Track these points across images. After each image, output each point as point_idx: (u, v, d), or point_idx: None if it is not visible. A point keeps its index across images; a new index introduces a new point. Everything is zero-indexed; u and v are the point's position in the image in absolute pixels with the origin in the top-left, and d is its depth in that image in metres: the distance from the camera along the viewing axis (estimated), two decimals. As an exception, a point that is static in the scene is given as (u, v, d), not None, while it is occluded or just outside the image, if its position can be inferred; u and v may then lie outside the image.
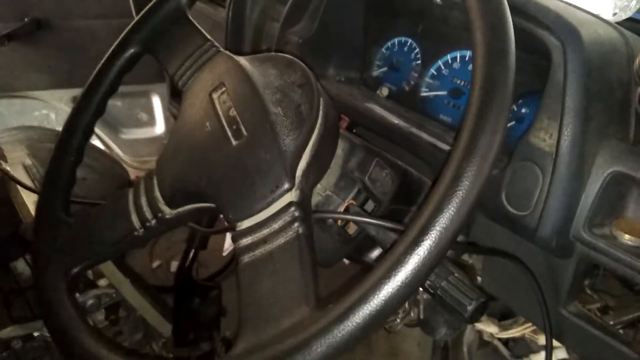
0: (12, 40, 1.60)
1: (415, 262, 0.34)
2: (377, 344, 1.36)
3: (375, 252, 0.66)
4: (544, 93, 0.55)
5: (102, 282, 1.00)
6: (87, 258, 0.57)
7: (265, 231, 0.45)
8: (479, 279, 0.76)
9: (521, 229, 0.58)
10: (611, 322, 0.68)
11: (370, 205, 0.61)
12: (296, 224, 0.45)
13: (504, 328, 0.85)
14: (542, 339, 0.86)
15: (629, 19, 0.70)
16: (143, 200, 0.57)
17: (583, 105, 0.52)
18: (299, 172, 0.48)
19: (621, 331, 0.66)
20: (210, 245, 1.18)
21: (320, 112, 0.51)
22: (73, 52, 1.67)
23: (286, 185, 0.47)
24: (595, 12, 0.65)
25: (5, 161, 1.39)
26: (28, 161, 1.45)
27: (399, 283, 0.34)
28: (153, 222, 0.56)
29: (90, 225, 0.59)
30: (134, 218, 0.56)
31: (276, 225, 0.45)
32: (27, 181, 1.23)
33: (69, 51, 1.68)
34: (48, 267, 0.56)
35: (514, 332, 0.84)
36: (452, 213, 0.35)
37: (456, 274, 0.47)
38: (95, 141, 2.01)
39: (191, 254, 1.11)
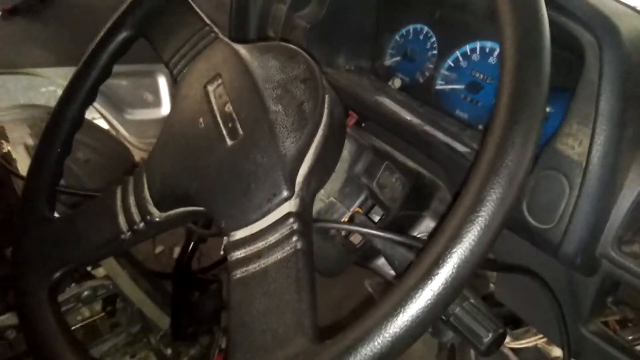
0: (15, 15, 1.56)
1: (427, 299, 0.30)
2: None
3: (381, 260, 0.62)
4: (575, 95, 0.50)
5: (100, 272, 0.96)
6: (70, 262, 0.53)
7: (260, 244, 0.41)
8: (492, 286, 0.72)
9: (543, 243, 0.53)
10: (630, 338, 0.64)
11: (376, 212, 0.55)
12: (294, 238, 0.40)
13: (515, 338, 0.81)
14: (554, 351, 0.81)
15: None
16: (131, 201, 0.52)
17: (619, 111, 0.46)
18: (299, 178, 0.44)
19: (638, 348, 0.62)
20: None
21: (325, 111, 0.46)
22: (77, 28, 1.62)
23: (285, 194, 0.42)
24: (632, 2, 0.59)
25: (7, 141, 1.36)
26: (30, 141, 1.42)
27: (407, 322, 0.30)
28: (141, 225, 0.51)
29: (76, 225, 0.55)
30: (122, 220, 0.52)
31: (272, 239, 0.41)
32: (27, 161, 1.20)
33: (73, 27, 1.63)
34: (28, 269, 0.52)
35: (526, 343, 0.80)
36: (473, 243, 0.30)
37: (472, 300, 0.42)
38: (99, 121, 1.98)
39: (190, 247, 1.07)
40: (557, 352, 0.81)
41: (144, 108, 1.98)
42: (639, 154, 0.48)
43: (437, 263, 0.30)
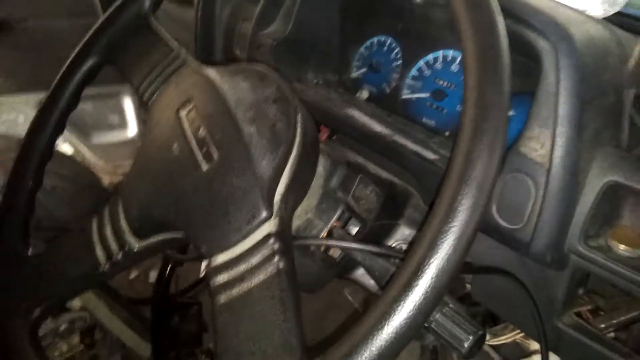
0: (-27, 42, 1.52)
1: (410, 309, 0.31)
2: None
3: (361, 271, 0.63)
4: (535, 100, 0.52)
5: (76, 304, 0.94)
6: (49, 298, 0.52)
7: (243, 267, 0.41)
8: (468, 286, 0.74)
9: (514, 242, 0.55)
10: (602, 326, 0.67)
11: (353, 224, 0.56)
12: (276, 258, 0.41)
13: (494, 334, 0.83)
14: (533, 344, 0.84)
15: (617, 14, 0.67)
16: (108, 231, 0.52)
17: (577, 113, 0.49)
18: (277, 197, 0.44)
19: (612, 334, 0.65)
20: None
21: (298, 130, 0.47)
22: (37, 54, 1.59)
23: (264, 215, 0.43)
24: (581, 7, 0.62)
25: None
26: (-8, 174, 1.38)
27: (393, 334, 0.31)
28: (119, 255, 0.51)
29: (52, 260, 0.54)
30: (99, 252, 0.52)
31: (254, 260, 0.41)
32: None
33: (33, 52, 1.60)
34: (7, 309, 0.51)
35: (505, 339, 0.82)
36: (449, 251, 0.31)
37: (451, 305, 0.43)
38: (63, 146, 1.94)
39: (167, 271, 1.06)
40: (535, 345, 0.84)
41: (110, 131, 1.95)
42: (598, 153, 0.51)
43: (416, 274, 0.31)
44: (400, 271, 0.32)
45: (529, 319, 0.60)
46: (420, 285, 0.31)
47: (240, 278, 0.41)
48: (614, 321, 0.66)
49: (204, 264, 0.44)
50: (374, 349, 0.30)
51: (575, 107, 0.49)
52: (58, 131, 0.62)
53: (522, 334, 0.82)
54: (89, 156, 1.96)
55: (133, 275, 1.59)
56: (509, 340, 0.83)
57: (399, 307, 0.31)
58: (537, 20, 0.52)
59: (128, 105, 1.93)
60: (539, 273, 0.58)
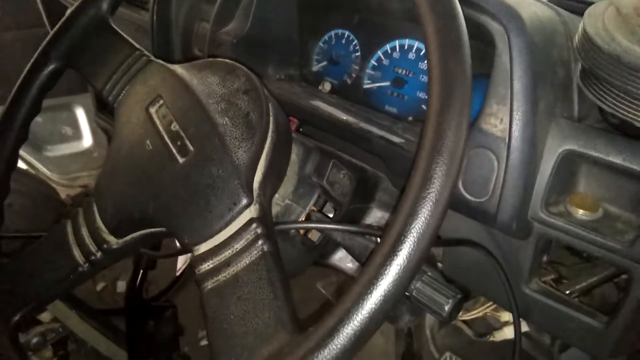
0: None
1: (395, 273, 0.32)
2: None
3: (338, 254, 0.64)
4: (491, 79, 0.55)
5: (45, 317, 0.92)
6: (28, 303, 0.51)
7: (227, 253, 0.42)
8: (439, 265, 0.77)
9: (480, 215, 0.58)
10: (567, 292, 0.70)
11: (328, 209, 0.58)
12: (260, 242, 0.42)
13: (466, 310, 0.87)
14: (503, 316, 0.88)
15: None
16: (84, 232, 0.52)
17: (531, 88, 0.52)
18: (255, 184, 0.45)
19: (576, 300, 0.69)
20: (160, 261, 1.12)
21: (271, 119, 0.48)
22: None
23: (244, 201, 0.44)
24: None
25: None
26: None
27: (381, 296, 0.32)
28: (99, 254, 0.51)
29: (28, 265, 0.53)
30: (76, 252, 0.51)
31: (238, 246, 0.42)
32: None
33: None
34: None
35: (476, 313, 0.85)
36: (427, 216, 0.33)
37: (429, 273, 0.46)
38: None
39: (140, 275, 1.04)
40: (505, 317, 0.88)
41: (64, 143, 1.91)
42: (552, 124, 0.54)
43: (399, 239, 0.33)
44: (383, 239, 0.34)
45: (499, 289, 0.63)
46: (404, 248, 0.33)
47: (226, 263, 0.42)
48: (577, 287, 0.70)
49: (180, 262, 0.45)
50: (365, 312, 0.32)
51: (528, 82, 0.52)
52: (21, 139, 0.61)
53: (492, 308, 0.86)
54: (42, 170, 1.91)
55: (100, 286, 1.55)
56: (480, 314, 0.86)
57: (386, 271, 0.32)
58: (488, 4, 0.55)
59: (81, 116, 1.89)
60: (505, 243, 0.61)
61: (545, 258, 0.65)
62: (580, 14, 0.64)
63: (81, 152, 1.94)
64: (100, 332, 0.95)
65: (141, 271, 1.04)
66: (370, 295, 0.32)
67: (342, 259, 0.64)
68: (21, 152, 1.87)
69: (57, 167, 1.93)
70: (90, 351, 0.97)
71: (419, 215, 0.33)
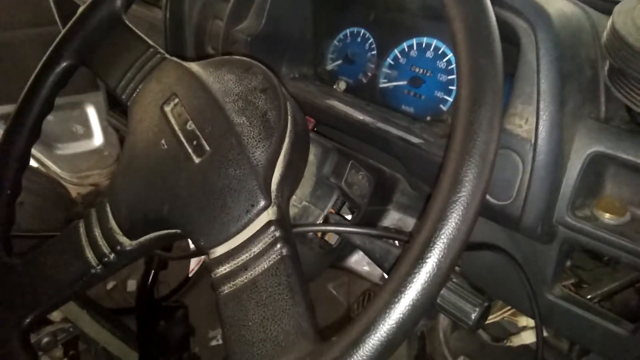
0: None
1: (424, 281, 0.31)
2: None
3: (355, 257, 0.63)
4: (516, 77, 0.53)
5: (56, 316, 0.91)
6: (40, 305, 0.50)
7: (245, 256, 0.41)
8: (456, 268, 0.75)
9: (504, 218, 0.56)
10: (588, 297, 0.69)
11: (345, 210, 0.57)
12: (279, 245, 0.40)
13: (483, 314, 0.85)
14: (521, 321, 0.86)
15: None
16: (97, 233, 0.50)
17: (558, 88, 0.50)
18: (273, 186, 0.44)
19: (600, 306, 0.67)
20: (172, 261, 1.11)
21: (289, 118, 0.46)
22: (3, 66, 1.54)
23: (262, 203, 0.42)
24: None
25: None
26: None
27: (409, 306, 0.31)
28: (112, 256, 0.50)
29: (40, 266, 0.52)
30: (89, 254, 0.50)
31: (256, 249, 0.41)
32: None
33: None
34: None
35: (494, 318, 0.83)
36: (458, 222, 0.32)
37: (455, 280, 0.44)
38: (27, 159, 1.87)
39: (151, 275, 1.03)
40: (523, 322, 0.86)
41: (75, 141, 1.91)
42: (580, 126, 0.52)
43: (428, 246, 0.31)
44: (411, 245, 0.32)
45: (519, 294, 0.61)
46: (433, 256, 0.31)
47: (244, 267, 0.40)
48: (599, 292, 0.68)
49: (192, 263, 0.43)
50: (391, 323, 0.30)
51: (556, 82, 0.50)
52: (34, 137, 0.60)
53: (510, 312, 0.84)
54: (53, 168, 1.91)
55: (110, 285, 1.55)
56: (498, 318, 0.84)
57: (414, 280, 0.31)
58: (513, 1, 0.53)
59: (92, 114, 1.89)
60: (527, 247, 0.60)
61: (568, 263, 0.64)
62: (605, 11, 0.63)
63: (92, 151, 1.94)
64: (111, 332, 0.94)
65: (152, 271, 1.03)
66: (397, 305, 0.31)
67: (358, 262, 0.62)
68: (33, 150, 1.87)
69: (68, 166, 1.94)
70: (100, 351, 0.96)
71: (449, 221, 0.32)
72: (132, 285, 1.50)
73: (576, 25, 0.54)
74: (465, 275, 0.70)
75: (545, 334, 0.84)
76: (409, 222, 0.63)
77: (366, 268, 0.60)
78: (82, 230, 0.51)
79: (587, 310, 0.59)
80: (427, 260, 0.31)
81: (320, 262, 0.56)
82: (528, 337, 0.86)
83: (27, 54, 1.52)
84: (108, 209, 0.51)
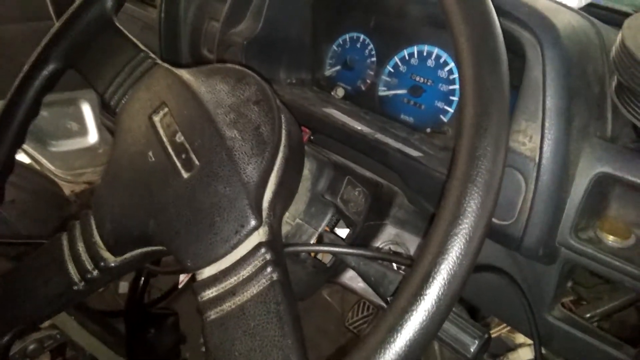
0: None
1: (422, 320, 0.29)
2: (347, 345, 1.32)
3: (349, 273, 0.61)
4: (520, 93, 0.51)
5: (44, 322, 0.89)
6: (19, 323, 0.48)
7: (233, 280, 0.38)
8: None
9: (504, 239, 0.54)
10: (587, 315, 0.67)
11: (341, 226, 0.54)
12: (269, 269, 0.38)
13: (480, 329, 0.83)
14: (518, 338, 0.84)
15: (590, 5, 0.67)
16: (80, 247, 0.48)
17: (565, 106, 0.48)
18: (264, 204, 0.42)
19: (596, 323, 0.65)
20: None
21: (283, 132, 0.44)
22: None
23: (253, 223, 0.40)
24: (557, -1, 0.62)
25: None
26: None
27: (405, 346, 0.29)
28: (95, 273, 0.47)
29: (20, 281, 0.50)
30: (72, 270, 0.48)
31: (245, 273, 0.38)
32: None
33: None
34: None
35: (491, 334, 0.81)
36: (460, 255, 0.30)
37: (454, 310, 0.42)
38: (20, 155, 1.85)
39: (142, 281, 1.01)
40: (520, 338, 0.84)
41: (69, 138, 1.88)
42: (586, 145, 0.50)
43: (427, 282, 0.29)
44: (409, 278, 0.30)
45: (518, 314, 0.59)
46: (431, 293, 0.29)
47: (231, 292, 0.38)
48: (598, 310, 0.66)
49: (182, 276, 0.41)
50: None
51: (563, 99, 0.48)
52: (17, 143, 0.58)
53: (508, 329, 0.82)
54: (47, 165, 1.88)
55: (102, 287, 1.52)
56: (495, 334, 0.83)
57: (411, 318, 0.29)
58: (519, 12, 0.51)
59: (87, 111, 1.86)
60: (528, 267, 0.58)
61: (570, 283, 0.62)
62: (614, 24, 0.60)
63: (86, 148, 1.91)
64: (99, 339, 0.92)
65: (142, 278, 1.01)
66: (392, 345, 0.28)
67: (353, 278, 0.60)
68: (26, 147, 1.84)
69: (61, 163, 1.91)
70: (88, 358, 0.94)
71: (450, 254, 0.29)
72: (124, 287, 1.47)
73: (584, 39, 0.52)
74: (462, 294, 0.68)
75: (543, 351, 0.82)
76: (407, 238, 0.61)
77: (361, 285, 0.58)
78: (65, 243, 0.49)
79: (588, 333, 0.57)
80: (425, 298, 0.29)
81: (313, 281, 0.53)
82: (525, 354, 0.85)
83: (21, 49, 1.49)
84: (92, 222, 0.48)
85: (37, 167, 1.85)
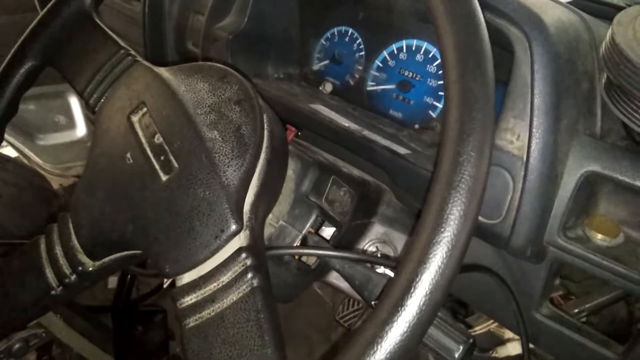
0: None
1: (403, 331, 0.28)
2: (338, 340, 1.32)
3: (336, 273, 0.60)
4: (508, 90, 0.50)
5: (28, 321, 0.88)
6: None
7: (213, 286, 0.38)
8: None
9: (492, 238, 0.53)
10: (575, 311, 0.67)
11: (327, 225, 0.53)
12: (249, 275, 0.37)
13: (468, 325, 0.83)
14: (507, 333, 0.84)
15: (580, -2, 0.66)
16: (58, 251, 0.47)
17: (554, 104, 0.47)
18: (246, 207, 0.41)
19: (584, 318, 0.65)
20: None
21: (265, 132, 0.43)
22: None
23: (233, 228, 0.39)
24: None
25: None
26: None
27: (386, 357, 0.28)
28: (73, 277, 0.46)
29: None
30: (49, 274, 0.47)
31: (225, 279, 0.37)
32: None
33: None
34: None
35: (480, 329, 0.81)
36: (442, 265, 0.29)
37: (438, 314, 0.41)
38: (6, 149, 1.82)
39: (128, 278, 1.00)
40: (509, 333, 0.84)
41: (57, 132, 1.86)
42: (574, 143, 0.49)
43: (408, 291, 0.28)
44: (390, 289, 0.29)
45: (507, 312, 0.59)
46: (412, 304, 0.28)
47: (211, 299, 0.37)
48: (587, 305, 0.66)
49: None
50: None
51: (552, 97, 0.47)
52: (-5, 142, 0.56)
53: (497, 324, 0.82)
54: (34, 159, 1.86)
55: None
56: (484, 330, 0.82)
57: (391, 330, 0.28)
58: (507, 7, 0.50)
59: (75, 104, 1.83)
60: (516, 266, 0.57)
61: (557, 281, 0.61)
62: (605, 17, 0.59)
63: (74, 141, 1.89)
64: (86, 336, 0.91)
65: (129, 275, 1.00)
66: (372, 358, 0.28)
67: (340, 278, 0.59)
68: (13, 140, 1.80)
69: (50, 157, 1.89)
70: (75, 356, 0.93)
71: (432, 264, 0.29)
72: (113, 282, 1.46)
73: (574, 35, 0.51)
74: (451, 291, 0.67)
75: (532, 345, 0.82)
76: (395, 236, 0.60)
77: (348, 285, 0.57)
78: (42, 247, 0.48)
79: (575, 331, 0.57)
80: (406, 309, 0.28)
81: (298, 284, 0.53)
82: (514, 348, 0.84)
83: (6, 41, 1.46)
84: (70, 225, 0.47)
85: (25, 161, 1.83)
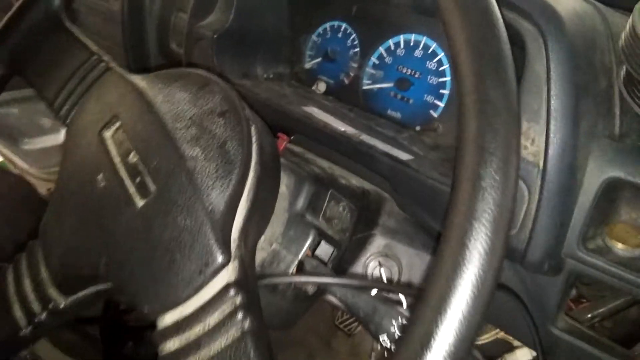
0: None
1: None
2: (337, 345, 1.28)
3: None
4: (522, 89, 0.46)
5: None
6: None
7: (198, 329, 0.33)
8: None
9: (506, 251, 0.49)
10: (589, 316, 0.63)
11: (325, 248, 0.48)
12: (239, 316, 0.32)
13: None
14: (516, 341, 0.80)
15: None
16: (27, 285, 0.42)
17: (572, 104, 0.43)
18: (234, 234, 0.36)
19: (598, 325, 0.62)
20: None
21: (254, 147, 0.38)
22: None
23: (219, 260, 0.34)
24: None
25: None
26: None
27: None
28: (43, 316, 0.41)
29: None
30: (18, 312, 0.42)
31: (212, 321, 0.33)
32: None
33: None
34: None
35: (488, 337, 0.78)
36: (465, 312, 0.24)
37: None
38: (-10, 155, 1.77)
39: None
40: (516, 341, 0.80)
41: (42, 135, 1.80)
42: (594, 146, 0.45)
43: (426, 346, 0.24)
44: (405, 341, 0.25)
45: (521, 326, 0.55)
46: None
47: (196, 344, 0.32)
48: (600, 310, 0.63)
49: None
50: None
51: (570, 97, 0.42)
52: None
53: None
54: (19, 163, 1.80)
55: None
56: (492, 338, 0.79)
57: None
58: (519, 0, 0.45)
59: (60, 106, 1.78)
60: (530, 279, 0.53)
61: (574, 292, 0.57)
62: (620, 7, 0.55)
63: (61, 145, 1.83)
64: (72, 354, 0.87)
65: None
66: None
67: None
68: (-4, 145, 1.72)
69: (35, 161, 1.83)
70: (62, 376, 0.88)
71: (454, 313, 0.24)
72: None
73: (590, 28, 0.46)
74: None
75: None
76: (398, 249, 0.55)
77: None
78: (10, 279, 0.43)
79: (594, 344, 0.53)
80: None
81: (295, 311, 0.48)
82: (523, 355, 0.81)
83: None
84: (40, 256, 0.42)
85: (11, 166, 1.78)
